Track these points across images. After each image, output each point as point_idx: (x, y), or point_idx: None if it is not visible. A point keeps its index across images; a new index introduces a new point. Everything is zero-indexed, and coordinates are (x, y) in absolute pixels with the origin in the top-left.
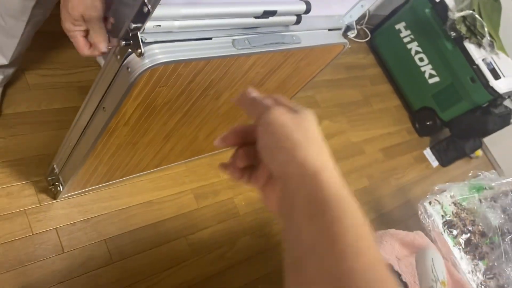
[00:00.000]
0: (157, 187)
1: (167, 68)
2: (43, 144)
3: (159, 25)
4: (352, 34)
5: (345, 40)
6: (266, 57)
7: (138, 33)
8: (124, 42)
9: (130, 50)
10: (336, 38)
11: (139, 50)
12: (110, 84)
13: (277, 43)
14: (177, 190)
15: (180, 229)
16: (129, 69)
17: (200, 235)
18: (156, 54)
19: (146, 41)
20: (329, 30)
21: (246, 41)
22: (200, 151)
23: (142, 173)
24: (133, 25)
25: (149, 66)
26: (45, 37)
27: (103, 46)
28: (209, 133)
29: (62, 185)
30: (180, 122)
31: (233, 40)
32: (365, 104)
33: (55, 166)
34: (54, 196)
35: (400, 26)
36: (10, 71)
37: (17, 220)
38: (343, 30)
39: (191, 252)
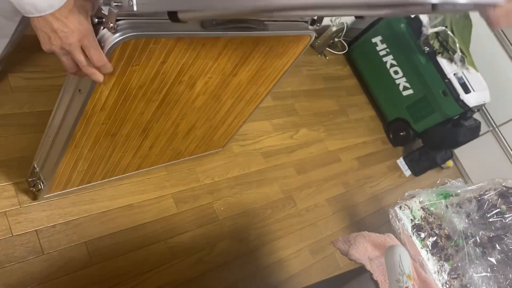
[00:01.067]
0: (137, 191)
1: (138, 43)
2: (25, 146)
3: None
4: (317, 26)
5: (311, 31)
6: (235, 41)
7: (110, 7)
8: (96, 19)
9: (102, 27)
10: (302, 28)
11: (111, 25)
12: None
13: (244, 26)
14: (157, 194)
15: (160, 232)
16: (102, 45)
17: (179, 239)
18: (127, 28)
19: (118, 18)
20: (295, 21)
21: (213, 22)
22: (180, 154)
23: (123, 175)
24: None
25: (120, 39)
26: (30, 39)
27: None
28: (187, 131)
29: (42, 183)
30: (157, 112)
31: (201, 21)
32: (341, 114)
33: (35, 165)
34: (35, 196)
35: (377, 39)
36: None
37: None
38: (309, 22)
39: (170, 256)
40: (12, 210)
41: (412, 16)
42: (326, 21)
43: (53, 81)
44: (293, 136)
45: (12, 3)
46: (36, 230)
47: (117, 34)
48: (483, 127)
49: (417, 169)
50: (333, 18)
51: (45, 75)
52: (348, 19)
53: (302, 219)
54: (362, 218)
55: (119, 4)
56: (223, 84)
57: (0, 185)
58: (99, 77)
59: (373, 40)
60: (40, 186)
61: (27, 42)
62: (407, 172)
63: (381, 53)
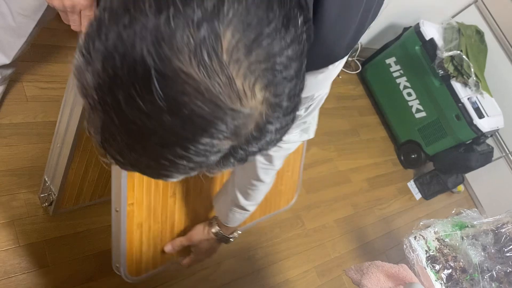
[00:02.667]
0: None
1: None
2: (36, 156)
3: None
4: None
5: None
6: None
7: None
8: None
9: None
10: None
11: None
12: None
13: None
14: None
15: None
16: None
17: None
18: None
19: None
20: None
21: None
22: None
23: None
24: None
25: None
26: (45, 49)
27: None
28: None
29: (54, 195)
30: None
31: None
32: (353, 134)
33: (46, 178)
34: (47, 211)
35: (391, 60)
36: (9, 71)
37: (4, 231)
38: None
39: (176, 272)
40: (21, 220)
41: (427, 39)
42: None
43: None
44: None
45: (34, 1)
46: (43, 240)
47: None
48: (496, 153)
49: (428, 193)
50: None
51: (60, 85)
52: (362, 39)
53: (309, 239)
54: (370, 241)
55: None
56: None
57: (10, 194)
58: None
59: (387, 61)
60: (52, 198)
61: (44, 52)
62: (418, 195)
63: (395, 74)
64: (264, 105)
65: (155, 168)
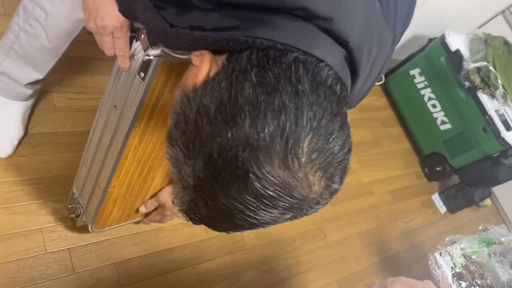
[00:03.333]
0: None
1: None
2: (64, 165)
3: None
4: None
5: None
6: None
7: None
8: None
9: (135, 40)
10: None
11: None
12: (119, 80)
13: None
14: None
15: (188, 258)
16: (135, 57)
17: (206, 266)
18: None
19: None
20: None
21: None
22: None
23: None
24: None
25: (147, 58)
26: (75, 61)
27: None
28: None
29: (82, 207)
30: None
31: None
32: (376, 145)
33: (74, 190)
34: (75, 224)
35: (415, 72)
36: (39, 85)
37: (32, 238)
38: None
39: (197, 282)
40: (48, 227)
41: (453, 50)
42: None
43: (94, 102)
44: None
45: (71, 25)
46: (69, 248)
47: (152, 57)
48: None
49: (453, 206)
50: None
51: (88, 96)
52: None
53: (331, 252)
54: (393, 255)
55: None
56: None
57: (39, 202)
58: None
59: (411, 72)
60: (79, 211)
61: (72, 64)
62: (442, 209)
63: (419, 85)
64: (324, 189)
65: (228, 230)
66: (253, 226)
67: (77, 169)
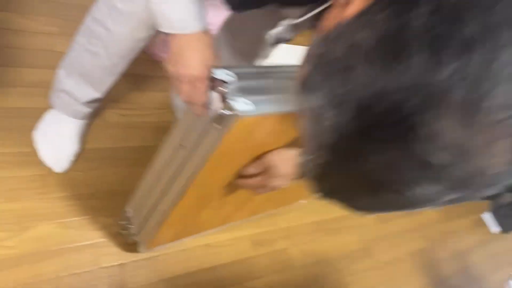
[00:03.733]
0: (215, 230)
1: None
2: (116, 180)
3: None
4: None
5: None
6: None
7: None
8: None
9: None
10: None
11: (225, 100)
12: (192, 123)
13: None
14: (235, 235)
15: (236, 275)
16: (211, 107)
17: (255, 284)
18: (242, 104)
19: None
20: None
21: None
22: (267, 206)
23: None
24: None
25: (229, 115)
26: (127, 78)
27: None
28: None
29: (134, 229)
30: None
31: None
32: None
33: (128, 210)
34: (126, 240)
35: None
36: (98, 104)
37: (86, 252)
38: None
39: None
40: (100, 242)
41: None
42: None
43: (145, 118)
44: None
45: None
46: (120, 263)
47: (231, 113)
48: None
49: (508, 226)
50: None
51: (139, 112)
52: None
53: (381, 272)
54: (446, 277)
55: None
56: None
57: (91, 216)
58: (195, 111)
59: None
60: (132, 232)
61: (125, 81)
62: (496, 228)
63: None
64: (506, 165)
65: (365, 208)
66: (402, 206)
67: (129, 184)
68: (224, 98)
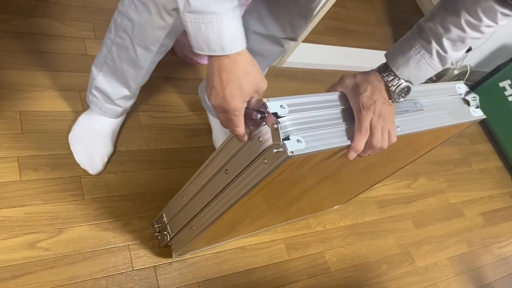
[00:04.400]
0: (249, 235)
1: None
2: (149, 182)
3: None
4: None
5: (477, 118)
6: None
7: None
8: (259, 115)
9: (264, 123)
10: (467, 115)
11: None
12: (238, 150)
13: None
14: (269, 238)
15: (270, 279)
16: (260, 139)
17: None
18: (294, 143)
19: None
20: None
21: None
22: (303, 213)
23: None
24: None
25: (283, 159)
26: (158, 81)
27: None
28: (320, 198)
29: (169, 234)
30: (300, 197)
31: None
32: (464, 163)
33: (164, 215)
34: (159, 244)
35: (505, 83)
36: (129, 103)
37: (120, 255)
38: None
39: None
40: (134, 245)
41: None
42: None
43: (178, 121)
44: (410, 185)
45: (152, 33)
46: (154, 266)
47: (282, 151)
48: None
49: None
50: (455, 60)
51: (171, 115)
52: (471, 62)
53: (420, 278)
54: (489, 283)
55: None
56: (376, 162)
57: (125, 219)
58: (237, 138)
59: (501, 84)
60: (166, 237)
61: (156, 83)
62: None
63: (511, 98)
64: None
65: None
66: None
67: (162, 186)
68: (276, 135)
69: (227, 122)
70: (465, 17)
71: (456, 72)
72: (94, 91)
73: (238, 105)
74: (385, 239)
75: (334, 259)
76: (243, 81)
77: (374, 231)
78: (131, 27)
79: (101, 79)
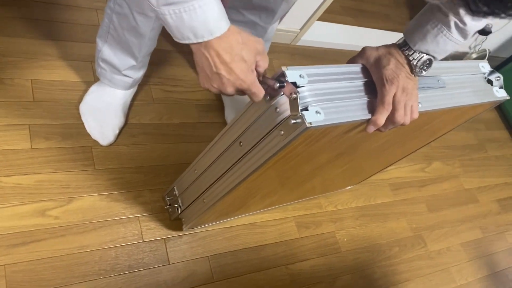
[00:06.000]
0: (260, 211)
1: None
2: (161, 155)
3: None
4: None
5: (501, 98)
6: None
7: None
8: (278, 84)
9: (282, 93)
10: (491, 95)
11: (294, 108)
12: (254, 122)
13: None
14: (280, 216)
15: (280, 256)
16: (277, 110)
17: (300, 266)
18: (313, 114)
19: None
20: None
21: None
22: (314, 192)
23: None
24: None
25: (301, 131)
26: (171, 54)
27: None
28: (333, 177)
29: (180, 207)
30: (313, 175)
31: None
32: (479, 149)
33: (175, 188)
34: (170, 217)
35: None
36: (138, 74)
37: (130, 226)
38: (487, 74)
39: (290, 283)
40: (145, 217)
41: None
42: (464, 47)
43: (189, 95)
44: (424, 169)
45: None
46: (164, 238)
47: (299, 122)
48: None
49: None
50: (473, 44)
51: (183, 89)
52: (490, 46)
53: (432, 262)
54: (502, 270)
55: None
56: (392, 141)
57: (136, 191)
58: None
59: None
60: (177, 210)
61: (169, 57)
62: None
63: None
64: None
65: None
66: None
67: (173, 160)
68: (294, 105)
69: (248, 96)
70: None
71: (474, 56)
72: (101, 63)
73: (252, 78)
74: (398, 221)
75: (345, 239)
76: (243, 53)
77: (386, 214)
78: None
79: (106, 50)
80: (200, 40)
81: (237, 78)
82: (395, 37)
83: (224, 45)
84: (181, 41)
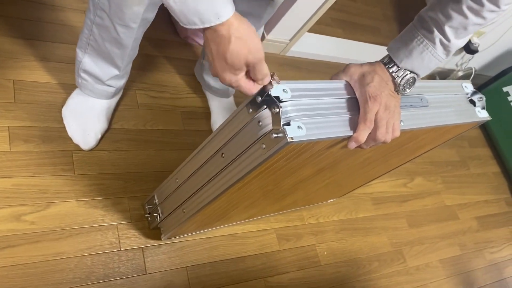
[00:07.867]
0: (241, 222)
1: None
2: (143, 162)
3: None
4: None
5: (483, 119)
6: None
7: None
8: (260, 97)
9: (265, 106)
10: (473, 115)
11: (277, 113)
12: (236, 133)
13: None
14: (261, 227)
15: (260, 269)
16: (260, 123)
17: (278, 279)
18: (294, 129)
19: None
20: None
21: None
22: (296, 204)
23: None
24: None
25: (281, 146)
26: (158, 60)
27: (267, 80)
28: (314, 191)
29: (159, 216)
30: (294, 189)
31: None
32: (462, 166)
33: (155, 196)
34: (149, 225)
35: (509, 88)
36: (121, 82)
37: (108, 234)
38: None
39: None
40: (123, 225)
41: None
42: (451, 64)
43: (175, 102)
44: (407, 184)
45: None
46: (142, 247)
47: (281, 137)
48: None
49: None
50: (460, 61)
51: (169, 95)
52: (476, 64)
53: (411, 278)
54: None
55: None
56: (375, 157)
57: (116, 198)
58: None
59: (505, 89)
60: (157, 219)
61: (155, 62)
62: None
63: None
64: None
65: None
66: None
67: (155, 168)
68: (276, 119)
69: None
70: (466, 2)
71: (460, 74)
72: (82, 74)
73: (261, 49)
74: (378, 236)
75: (325, 253)
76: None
77: (367, 228)
78: (108, 6)
79: (87, 61)
80: (207, 25)
81: (250, 51)
82: (383, 51)
83: (237, 25)
84: (187, 26)
